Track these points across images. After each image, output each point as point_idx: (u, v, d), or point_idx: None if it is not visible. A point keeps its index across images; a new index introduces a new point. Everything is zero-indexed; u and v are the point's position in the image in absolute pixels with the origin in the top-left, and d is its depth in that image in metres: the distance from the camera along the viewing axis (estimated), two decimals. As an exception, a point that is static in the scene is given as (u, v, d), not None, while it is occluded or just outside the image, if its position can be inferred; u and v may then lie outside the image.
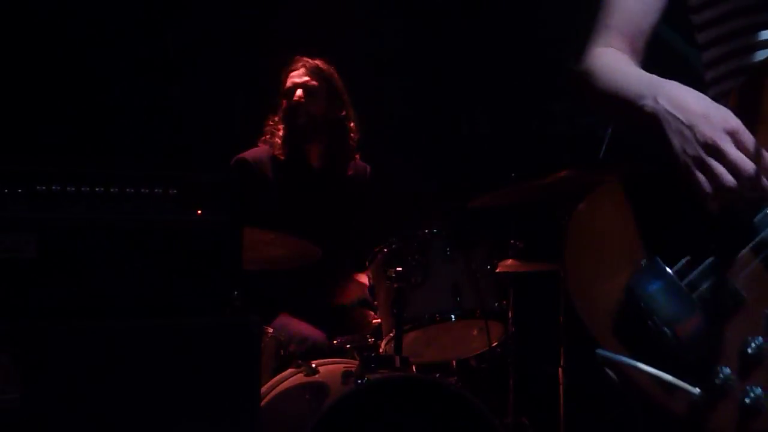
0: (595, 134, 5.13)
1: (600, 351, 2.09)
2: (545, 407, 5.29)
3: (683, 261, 2.10)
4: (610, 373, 2.11)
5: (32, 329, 2.77)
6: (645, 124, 2.17)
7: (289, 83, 5.17)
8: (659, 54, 2.45)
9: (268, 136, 5.22)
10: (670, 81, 2.18)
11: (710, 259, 2.08)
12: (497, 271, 4.61)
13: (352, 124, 5.27)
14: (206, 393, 2.90)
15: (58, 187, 2.88)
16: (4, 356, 2.70)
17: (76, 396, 2.77)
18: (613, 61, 2.35)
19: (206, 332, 2.92)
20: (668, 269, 2.08)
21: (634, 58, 2.38)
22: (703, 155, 2.03)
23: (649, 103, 2.15)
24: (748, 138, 2.02)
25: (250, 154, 5.15)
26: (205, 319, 2.95)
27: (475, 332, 4.65)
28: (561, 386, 5.08)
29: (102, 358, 2.81)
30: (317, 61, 5.21)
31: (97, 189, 2.92)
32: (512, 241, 5.35)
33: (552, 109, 6.53)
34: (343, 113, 5.23)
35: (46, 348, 2.76)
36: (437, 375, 4.34)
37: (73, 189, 2.90)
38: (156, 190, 2.97)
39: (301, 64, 5.19)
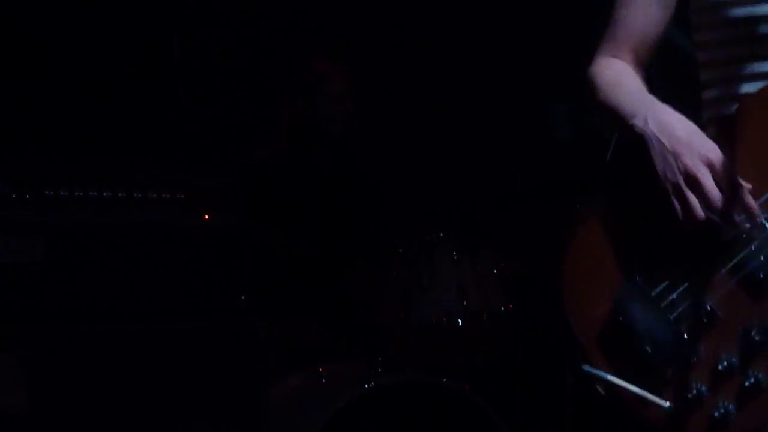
0: (602, 137, 5.13)
1: (585, 367, 2.20)
2: (553, 410, 5.28)
3: (664, 283, 2.17)
4: (598, 387, 2.21)
5: (39, 332, 2.78)
6: (634, 141, 2.22)
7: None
8: (665, 54, 2.46)
9: (276, 137, 5.19)
10: (662, 104, 2.23)
11: (689, 281, 2.16)
12: (504, 274, 4.60)
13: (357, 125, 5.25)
14: (213, 395, 2.91)
15: (66, 191, 2.89)
16: (11, 359, 2.71)
17: (83, 399, 2.78)
18: (615, 75, 2.39)
19: (213, 335, 2.93)
20: (648, 290, 2.17)
21: (637, 70, 2.41)
22: (682, 184, 2.09)
23: (639, 123, 2.20)
24: (726, 172, 2.09)
25: (259, 155, 5.13)
26: (211, 322, 2.96)
27: (482, 335, 4.64)
28: (569, 389, 5.06)
29: (108, 361, 2.82)
30: (331, 61, 5.18)
31: (104, 193, 2.94)
32: (519, 244, 5.33)
33: (558, 110, 6.52)
34: (354, 115, 5.22)
35: (52, 351, 2.77)
36: (444, 378, 4.34)
37: (81, 193, 2.91)
38: (163, 195, 2.98)
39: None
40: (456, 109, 6.46)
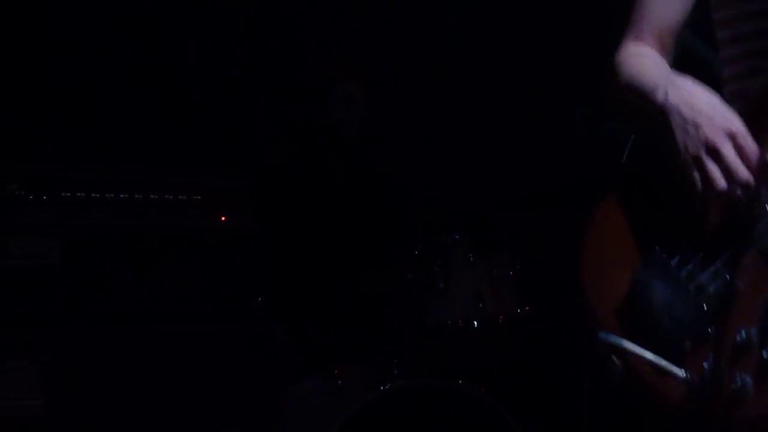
0: (617, 140, 5.11)
1: (601, 334, 2.16)
2: (569, 414, 5.27)
3: (684, 254, 2.15)
4: (614, 359, 2.17)
5: (56, 334, 2.78)
6: (654, 116, 2.20)
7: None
8: (682, 59, 2.46)
9: (303, 136, 5.19)
10: (684, 77, 2.21)
11: (709, 252, 2.13)
12: (520, 276, 4.60)
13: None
14: (230, 397, 2.91)
15: (83, 194, 2.90)
16: (28, 362, 2.71)
17: (99, 400, 2.78)
18: (638, 54, 2.38)
19: (229, 337, 2.93)
20: (668, 261, 2.16)
21: (663, 54, 2.40)
22: (702, 155, 2.07)
23: (660, 96, 2.18)
24: (748, 144, 2.06)
25: (276, 155, 5.13)
26: (228, 323, 2.96)
27: (498, 337, 4.63)
28: (585, 391, 5.05)
29: (125, 363, 2.82)
30: (348, 64, 5.17)
31: (121, 195, 2.94)
32: (534, 247, 5.33)
33: (574, 112, 6.50)
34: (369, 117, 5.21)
35: (69, 353, 2.77)
36: (460, 380, 4.33)
37: (98, 195, 2.92)
38: (180, 196, 2.98)
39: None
40: (471, 110, 6.45)
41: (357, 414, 3.67)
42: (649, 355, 2.10)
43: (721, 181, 2.04)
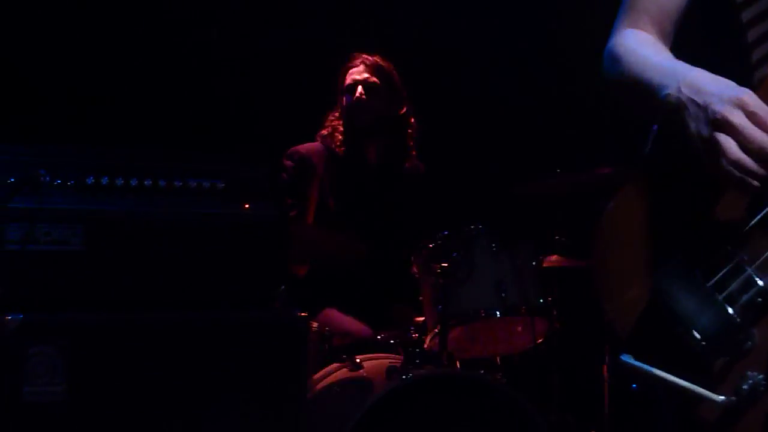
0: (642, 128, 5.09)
1: (623, 357, 2.02)
2: (590, 404, 5.26)
3: (710, 260, 2.00)
4: (638, 381, 2.05)
5: (79, 321, 2.78)
6: (666, 115, 2.06)
7: (348, 80, 5.11)
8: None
9: (326, 132, 5.19)
10: (695, 69, 2.06)
11: (738, 258, 1.98)
12: (542, 266, 4.59)
13: (412, 121, 5.22)
14: (252, 387, 2.90)
15: (107, 180, 2.90)
16: (51, 348, 2.71)
17: (122, 388, 2.78)
18: (640, 46, 2.22)
19: (253, 326, 2.92)
20: (691, 269, 2.01)
21: (662, 40, 2.26)
22: (712, 130, 1.92)
23: (672, 92, 2.03)
24: (762, 108, 1.90)
25: (304, 147, 5.13)
26: (251, 313, 2.96)
27: (519, 328, 4.63)
28: (606, 383, 5.04)
29: (148, 350, 2.82)
30: (376, 57, 5.16)
31: (145, 182, 2.94)
32: (557, 237, 5.32)
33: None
34: (404, 110, 5.18)
35: (92, 340, 2.77)
36: (482, 371, 4.32)
37: (122, 181, 2.92)
38: (204, 184, 2.98)
39: (360, 60, 5.13)
40: (495, 103, 6.45)
41: (379, 403, 3.67)
42: (679, 382, 1.94)
43: (734, 153, 1.88)
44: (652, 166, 2.21)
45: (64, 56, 5.51)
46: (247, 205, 2.99)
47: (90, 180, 2.88)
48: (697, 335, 1.96)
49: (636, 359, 2.02)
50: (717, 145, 1.91)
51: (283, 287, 3.00)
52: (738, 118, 1.89)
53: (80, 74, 5.52)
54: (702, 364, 1.96)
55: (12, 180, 2.80)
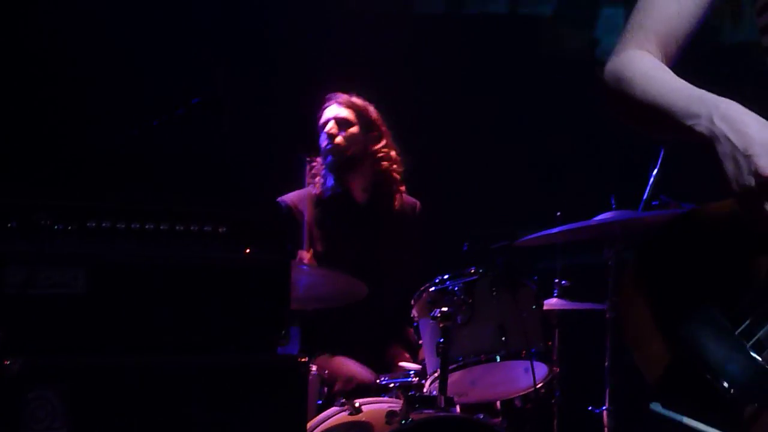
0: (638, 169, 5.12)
1: (653, 406, 2.00)
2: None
3: (738, 307, 1.97)
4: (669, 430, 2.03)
5: (80, 365, 2.77)
6: (694, 142, 1.98)
7: (322, 119, 5.16)
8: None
9: (310, 176, 5.21)
10: (727, 99, 1.98)
11: (765, 306, 1.96)
12: (543, 310, 4.59)
13: (393, 154, 5.23)
14: (252, 430, 2.89)
15: (108, 224, 2.90)
16: (51, 392, 2.71)
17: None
18: (654, 69, 2.14)
19: (255, 370, 2.92)
20: (718, 317, 1.98)
21: (665, 63, 2.18)
22: (756, 189, 1.85)
23: (703, 122, 1.94)
24: None
25: (289, 196, 5.15)
26: (252, 357, 2.95)
27: (520, 373, 4.62)
28: (606, 428, 5.02)
29: (148, 394, 2.81)
30: (351, 95, 5.20)
31: (147, 226, 2.94)
32: (558, 281, 5.33)
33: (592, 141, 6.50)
34: (382, 144, 5.20)
35: (92, 384, 2.76)
36: (482, 415, 4.31)
37: (123, 225, 2.92)
38: (205, 228, 2.98)
39: (333, 99, 5.19)
40: (496, 143, 6.48)
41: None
42: (709, 430, 1.92)
43: None
44: (677, 218, 2.17)
45: (66, 98, 5.54)
46: (248, 250, 2.99)
47: (91, 224, 2.88)
48: (726, 383, 1.94)
49: (665, 407, 2.00)
50: (757, 204, 1.86)
51: (284, 331, 2.99)
52: None
53: (81, 116, 5.55)
54: (731, 412, 1.94)
55: (13, 224, 2.80)
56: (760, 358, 1.93)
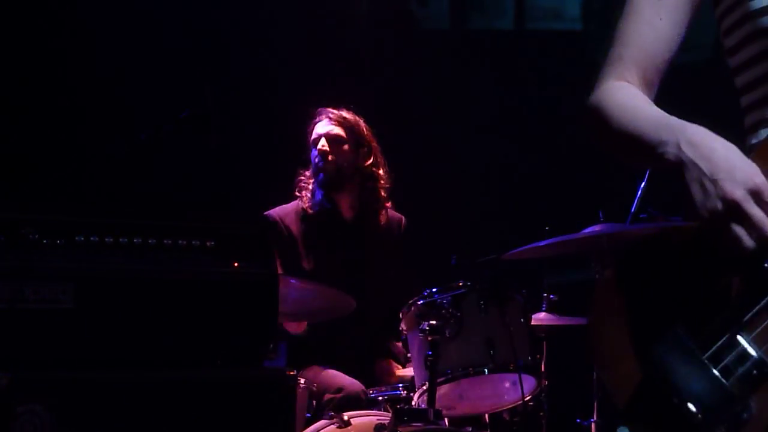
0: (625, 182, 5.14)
1: (621, 431, 2.02)
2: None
3: (705, 332, 1.97)
4: None
5: (69, 379, 2.77)
6: (666, 170, 2.01)
7: (313, 135, 5.18)
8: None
9: (297, 190, 5.23)
10: (694, 125, 2.01)
11: (733, 328, 1.95)
12: (531, 324, 4.60)
13: (381, 172, 5.25)
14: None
15: (96, 238, 2.89)
16: (40, 407, 2.70)
17: (111, 448, 2.77)
18: (629, 99, 2.17)
19: (243, 384, 2.91)
20: (687, 341, 1.97)
21: (646, 92, 2.21)
22: (723, 213, 1.88)
23: (671, 150, 1.98)
24: None
25: (276, 210, 5.17)
26: (240, 371, 2.95)
27: (508, 386, 4.63)
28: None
29: (137, 408, 2.81)
30: (341, 111, 5.21)
31: (135, 240, 2.93)
32: (546, 295, 5.34)
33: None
34: (371, 161, 5.21)
35: (81, 398, 2.76)
36: (470, 428, 4.32)
37: (111, 240, 2.91)
38: (193, 242, 2.98)
39: (324, 115, 5.20)
40: (487, 156, 6.50)
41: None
42: None
43: (747, 241, 1.86)
44: (649, 238, 2.17)
45: (55, 112, 5.54)
46: (236, 264, 2.99)
47: (80, 238, 2.88)
48: (693, 408, 1.93)
49: (632, 431, 2.02)
50: (725, 227, 1.89)
51: (272, 345, 2.99)
52: (751, 208, 1.87)
53: (70, 132, 5.55)
54: None
55: (1, 238, 2.80)
56: (726, 383, 1.92)
